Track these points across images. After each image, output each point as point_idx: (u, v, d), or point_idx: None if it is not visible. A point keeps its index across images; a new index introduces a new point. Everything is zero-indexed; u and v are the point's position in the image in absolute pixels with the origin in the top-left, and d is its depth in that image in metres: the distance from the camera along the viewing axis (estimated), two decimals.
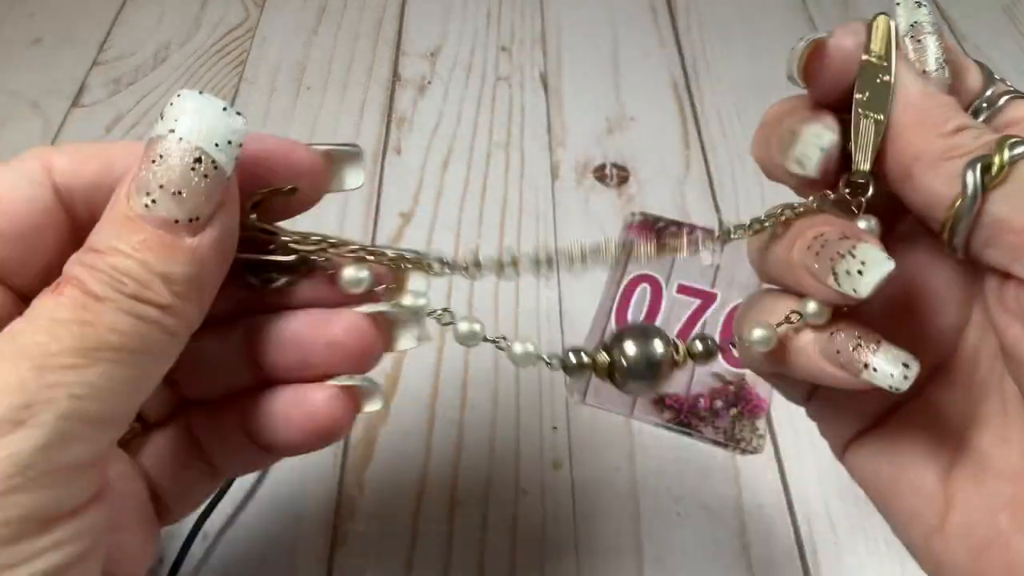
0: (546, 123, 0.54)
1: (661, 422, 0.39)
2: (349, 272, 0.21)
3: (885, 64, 0.20)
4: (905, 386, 0.18)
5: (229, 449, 0.24)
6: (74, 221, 0.20)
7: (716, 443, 0.39)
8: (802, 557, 0.36)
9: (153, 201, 0.17)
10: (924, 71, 0.20)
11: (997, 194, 0.18)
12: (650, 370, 0.22)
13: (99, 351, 0.17)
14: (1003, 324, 0.19)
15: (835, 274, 0.18)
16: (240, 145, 0.18)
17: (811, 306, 0.20)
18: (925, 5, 0.21)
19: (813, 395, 0.24)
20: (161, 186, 0.17)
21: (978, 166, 0.18)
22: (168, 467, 0.24)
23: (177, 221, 0.17)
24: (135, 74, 0.56)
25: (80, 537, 0.17)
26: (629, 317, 0.43)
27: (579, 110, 0.55)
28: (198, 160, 0.18)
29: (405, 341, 0.22)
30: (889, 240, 0.19)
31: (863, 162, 0.20)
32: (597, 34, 0.61)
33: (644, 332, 0.22)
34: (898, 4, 0.21)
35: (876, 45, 0.20)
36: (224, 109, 0.18)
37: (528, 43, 0.60)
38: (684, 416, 0.39)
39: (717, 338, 0.22)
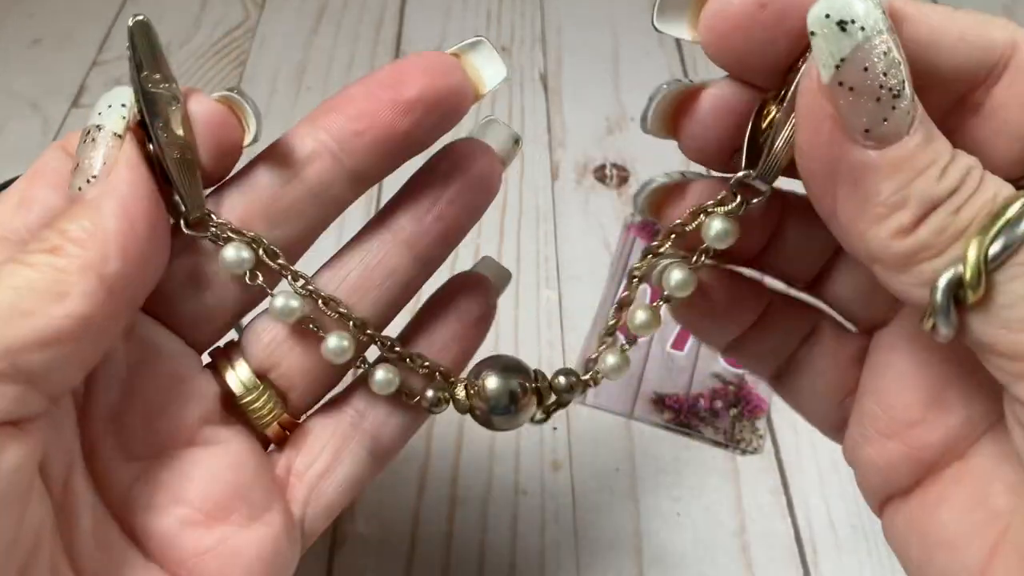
0: (546, 123, 0.54)
1: (661, 422, 0.39)
2: (229, 252, 0.21)
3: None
4: None
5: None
6: None
7: (716, 443, 0.39)
8: (802, 557, 0.36)
9: (69, 184, 0.19)
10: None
11: (977, 318, 0.15)
12: (512, 404, 0.22)
13: None
14: (1013, 430, 0.17)
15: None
16: (124, 105, 0.21)
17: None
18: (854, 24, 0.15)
19: (783, 372, 0.23)
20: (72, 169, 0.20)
21: (949, 291, 0.15)
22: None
23: (80, 189, 0.19)
24: None
25: None
26: None
27: (579, 110, 0.55)
28: (87, 132, 0.20)
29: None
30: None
31: (768, 172, 0.18)
32: (597, 34, 0.60)
33: (505, 367, 0.22)
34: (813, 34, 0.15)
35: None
36: (116, 86, 0.21)
37: (528, 43, 0.60)
38: (684, 416, 0.39)
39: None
